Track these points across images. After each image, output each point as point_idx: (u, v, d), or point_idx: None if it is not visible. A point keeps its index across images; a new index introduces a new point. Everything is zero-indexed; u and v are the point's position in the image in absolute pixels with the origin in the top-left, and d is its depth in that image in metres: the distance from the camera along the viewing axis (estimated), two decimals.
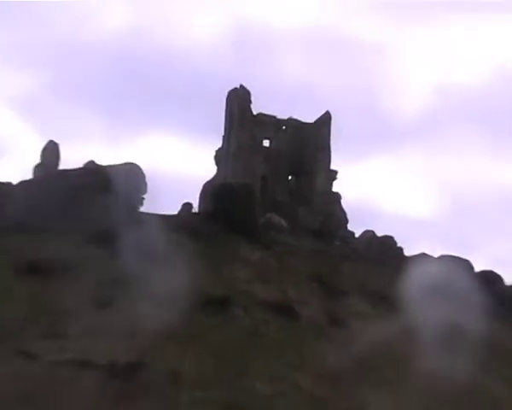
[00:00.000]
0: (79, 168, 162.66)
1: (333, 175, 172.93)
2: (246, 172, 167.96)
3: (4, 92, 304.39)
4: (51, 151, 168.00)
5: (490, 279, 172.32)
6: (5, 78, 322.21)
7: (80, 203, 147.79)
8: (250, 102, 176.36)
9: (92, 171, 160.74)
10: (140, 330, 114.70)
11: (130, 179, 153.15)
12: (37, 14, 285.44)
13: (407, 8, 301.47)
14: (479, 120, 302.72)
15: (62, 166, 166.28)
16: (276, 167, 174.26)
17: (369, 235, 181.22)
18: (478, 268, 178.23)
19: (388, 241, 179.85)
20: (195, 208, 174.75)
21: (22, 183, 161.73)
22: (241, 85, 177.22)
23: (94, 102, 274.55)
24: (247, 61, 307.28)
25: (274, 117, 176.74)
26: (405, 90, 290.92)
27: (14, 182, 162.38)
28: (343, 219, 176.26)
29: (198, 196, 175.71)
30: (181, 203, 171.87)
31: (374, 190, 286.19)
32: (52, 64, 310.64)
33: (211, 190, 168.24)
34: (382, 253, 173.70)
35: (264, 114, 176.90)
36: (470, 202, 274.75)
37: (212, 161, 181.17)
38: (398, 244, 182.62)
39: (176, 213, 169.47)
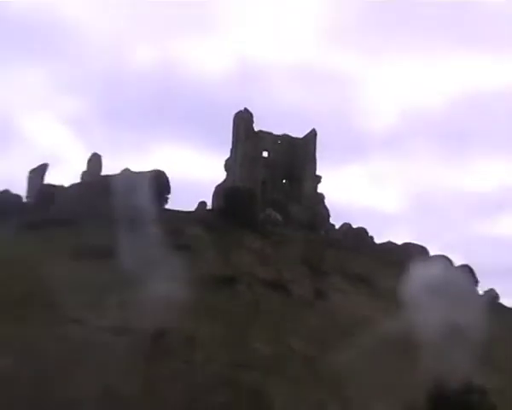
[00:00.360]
0: (117, 174, 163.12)
1: (318, 180, 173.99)
2: (249, 177, 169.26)
3: (59, 113, 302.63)
4: (95, 161, 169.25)
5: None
6: (60, 102, 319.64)
7: (116, 201, 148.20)
8: (252, 121, 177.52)
9: (126, 176, 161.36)
10: (164, 304, 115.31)
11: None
12: (83, 52, 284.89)
13: (378, 45, 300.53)
14: (434, 135, 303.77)
15: (103, 172, 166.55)
16: (273, 174, 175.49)
17: (346, 227, 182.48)
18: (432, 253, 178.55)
19: (361, 231, 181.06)
20: (209, 206, 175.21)
21: (73, 185, 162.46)
22: (245, 108, 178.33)
23: (128, 122, 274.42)
24: (249, 89, 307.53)
25: (271, 133, 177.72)
26: (375, 112, 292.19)
27: (66, 185, 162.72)
28: (326, 214, 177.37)
29: (211, 196, 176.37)
30: (197, 202, 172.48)
31: (350, 190, 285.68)
32: (95, 91, 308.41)
33: (222, 192, 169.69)
34: (357, 241, 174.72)
35: (264, 131, 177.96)
36: (427, 201, 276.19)
37: (223, 168, 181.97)
38: (370, 234, 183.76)
39: (193, 209, 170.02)
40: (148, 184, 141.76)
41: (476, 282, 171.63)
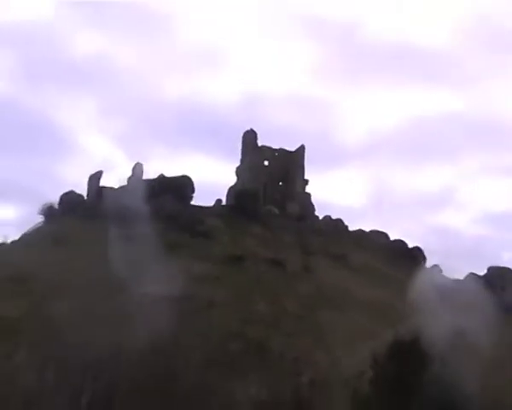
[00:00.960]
0: (154, 179, 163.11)
1: (306, 182, 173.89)
2: (254, 181, 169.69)
3: (109, 131, 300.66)
4: (138, 168, 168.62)
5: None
6: (109, 121, 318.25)
7: (156, 199, 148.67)
8: (256, 138, 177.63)
9: (161, 180, 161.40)
10: (188, 275, 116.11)
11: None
12: (125, 82, 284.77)
13: (352, 79, 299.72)
14: (393, 147, 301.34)
15: (144, 177, 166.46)
16: (272, 178, 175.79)
17: (327, 218, 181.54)
18: (393, 238, 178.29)
19: (339, 222, 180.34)
20: (224, 203, 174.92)
21: (120, 187, 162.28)
22: (251, 129, 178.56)
23: (162, 137, 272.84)
24: (253, 113, 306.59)
25: (270, 147, 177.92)
26: (350, 130, 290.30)
27: (115, 187, 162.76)
28: (312, 209, 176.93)
29: (225, 195, 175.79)
30: (215, 199, 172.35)
31: (330, 190, 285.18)
32: (136, 113, 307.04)
33: (233, 192, 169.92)
34: (336, 229, 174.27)
35: (265, 146, 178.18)
36: (388, 197, 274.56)
37: (234, 174, 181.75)
38: (345, 223, 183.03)
39: (212, 205, 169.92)
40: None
41: None
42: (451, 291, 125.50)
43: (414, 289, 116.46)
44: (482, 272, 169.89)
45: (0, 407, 70.03)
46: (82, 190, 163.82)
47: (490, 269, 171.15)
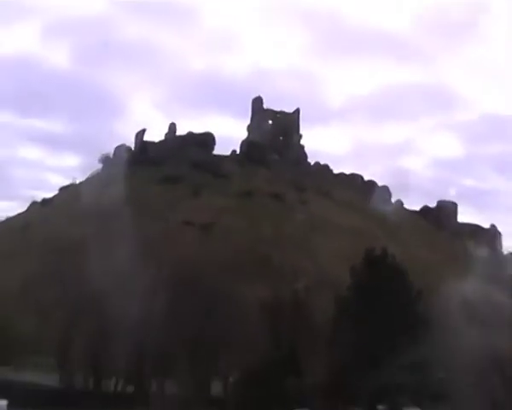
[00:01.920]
0: (185, 134, 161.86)
1: (300, 136, 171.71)
2: (261, 136, 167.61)
3: (151, 99, 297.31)
4: (172, 127, 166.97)
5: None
6: (151, 93, 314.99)
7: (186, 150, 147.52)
8: (262, 103, 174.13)
9: (190, 135, 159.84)
10: (211, 207, 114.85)
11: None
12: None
13: (335, 56, 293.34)
14: (370, 109, 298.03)
15: (177, 133, 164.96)
16: (275, 133, 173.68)
17: (317, 163, 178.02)
18: (367, 178, 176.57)
19: (325, 166, 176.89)
20: (238, 152, 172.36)
21: (160, 141, 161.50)
22: (259, 96, 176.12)
23: (190, 102, 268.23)
24: (261, 85, 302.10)
25: (273, 110, 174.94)
26: (334, 96, 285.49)
27: (156, 141, 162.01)
28: (305, 156, 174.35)
29: (239, 146, 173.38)
30: (231, 149, 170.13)
31: (317, 142, 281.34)
32: (169, 83, 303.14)
33: (245, 144, 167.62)
34: (322, 172, 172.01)
35: (269, 109, 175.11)
36: (366, 148, 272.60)
37: (245, 130, 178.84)
38: (331, 168, 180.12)
39: (229, 154, 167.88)
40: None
41: None
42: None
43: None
44: (433, 205, 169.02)
45: None
46: (130, 143, 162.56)
47: (439, 202, 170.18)
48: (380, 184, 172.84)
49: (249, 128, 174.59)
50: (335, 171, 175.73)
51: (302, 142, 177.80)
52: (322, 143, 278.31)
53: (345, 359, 63.95)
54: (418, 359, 63.27)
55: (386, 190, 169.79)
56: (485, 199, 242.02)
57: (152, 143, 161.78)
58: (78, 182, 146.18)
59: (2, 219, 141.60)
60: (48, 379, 66.49)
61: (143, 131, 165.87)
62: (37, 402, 57.61)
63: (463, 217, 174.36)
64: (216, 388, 70.20)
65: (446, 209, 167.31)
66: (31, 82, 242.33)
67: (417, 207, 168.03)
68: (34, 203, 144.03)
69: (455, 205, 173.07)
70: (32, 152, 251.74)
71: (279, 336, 67.73)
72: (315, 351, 66.17)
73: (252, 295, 78.54)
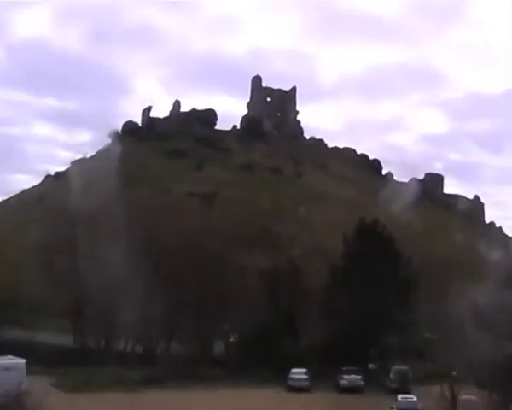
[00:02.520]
0: (189, 111, 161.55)
1: (296, 112, 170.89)
2: (260, 112, 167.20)
3: (156, 78, 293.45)
4: (177, 104, 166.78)
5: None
6: (158, 73, 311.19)
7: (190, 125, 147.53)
8: (261, 81, 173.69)
9: (193, 112, 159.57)
10: (213, 179, 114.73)
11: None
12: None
13: (327, 33, 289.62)
14: (361, 87, 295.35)
15: (181, 110, 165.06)
16: (273, 110, 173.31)
17: (312, 138, 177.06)
18: (359, 152, 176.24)
19: (320, 141, 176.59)
20: (238, 127, 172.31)
21: (165, 117, 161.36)
22: (258, 75, 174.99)
23: (193, 81, 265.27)
24: (260, 65, 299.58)
25: (271, 88, 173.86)
26: (327, 74, 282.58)
27: (161, 117, 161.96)
28: (301, 131, 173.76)
29: (239, 122, 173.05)
30: (232, 125, 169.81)
31: (314, 118, 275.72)
32: (174, 63, 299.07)
33: (245, 119, 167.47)
34: (317, 146, 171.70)
35: (268, 87, 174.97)
36: (357, 124, 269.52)
37: (245, 107, 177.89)
38: (326, 142, 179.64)
39: (230, 129, 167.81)
40: None
41: None
42: None
43: None
44: (420, 177, 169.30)
45: None
46: (137, 119, 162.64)
47: (426, 174, 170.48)
48: (371, 157, 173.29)
49: (249, 105, 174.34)
50: (330, 145, 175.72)
51: (298, 118, 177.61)
52: (317, 120, 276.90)
53: (338, 322, 64.80)
54: (406, 320, 64.17)
55: (377, 162, 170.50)
56: (469, 172, 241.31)
57: (158, 120, 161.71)
58: (88, 156, 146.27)
59: (19, 191, 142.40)
60: (63, 340, 67.25)
61: (150, 108, 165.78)
62: (53, 361, 58.68)
63: (449, 189, 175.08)
64: (218, 348, 70.91)
65: (433, 181, 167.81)
66: (44, 63, 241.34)
67: (406, 179, 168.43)
68: (48, 176, 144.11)
69: (441, 177, 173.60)
70: (45, 129, 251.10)
71: (277, 301, 68.30)
72: (310, 315, 66.85)
73: (251, 263, 79.03)
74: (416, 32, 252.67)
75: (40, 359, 53.62)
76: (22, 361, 40.14)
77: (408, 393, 48.02)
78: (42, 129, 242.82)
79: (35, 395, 33.73)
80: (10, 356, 40.98)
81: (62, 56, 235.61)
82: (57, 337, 67.79)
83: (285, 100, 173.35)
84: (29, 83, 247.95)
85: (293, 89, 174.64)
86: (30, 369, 40.79)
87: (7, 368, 38.15)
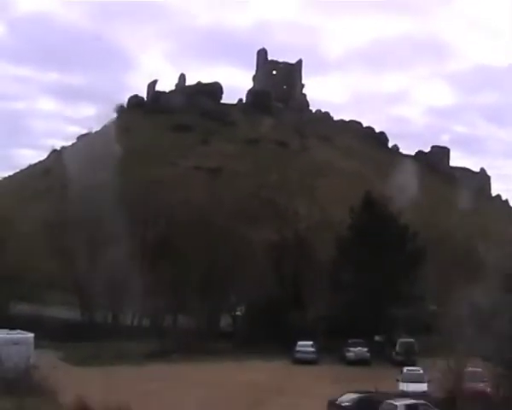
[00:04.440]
0: (194, 84, 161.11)
1: (302, 85, 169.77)
2: (265, 85, 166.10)
3: (162, 54, 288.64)
4: (182, 78, 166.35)
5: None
6: (165, 48, 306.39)
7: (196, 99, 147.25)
8: (267, 55, 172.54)
9: (199, 85, 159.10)
10: (220, 153, 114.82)
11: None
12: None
13: (333, 5, 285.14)
14: (366, 60, 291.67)
15: (186, 83, 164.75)
16: (278, 83, 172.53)
17: (318, 111, 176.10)
18: (365, 125, 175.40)
19: (326, 114, 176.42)
20: (244, 101, 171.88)
21: (171, 91, 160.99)
22: (263, 48, 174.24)
23: (199, 54, 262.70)
24: (267, 38, 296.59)
25: (277, 61, 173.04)
26: (333, 47, 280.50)
27: (167, 91, 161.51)
28: (307, 104, 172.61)
29: (245, 95, 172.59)
30: (238, 98, 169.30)
31: (320, 91, 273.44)
32: (179, 37, 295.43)
33: (251, 93, 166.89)
34: (323, 119, 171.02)
35: (273, 60, 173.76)
36: (364, 97, 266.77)
37: (251, 80, 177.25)
38: (331, 115, 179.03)
39: (235, 102, 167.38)
40: None
41: None
42: None
43: None
44: (427, 149, 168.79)
45: None
46: (143, 93, 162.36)
47: (432, 147, 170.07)
48: (377, 130, 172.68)
49: (255, 78, 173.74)
50: (336, 118, 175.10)
51: (304, 91, 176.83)
52: (323, 92, 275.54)
53: (344, 294, 64.96)
54: (412, 293, 64.30)
55: (383, 135, 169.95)
56: (475, 145, 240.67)
57: (163, 93, 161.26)
58: (94, 131, 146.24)
59: (24, 166, 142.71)
60: (70, 314, 67.68)
61: (155, 81, 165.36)
62: (60, 335, 59.12)
63: (455, 161, 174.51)
64: (225, 322, 71.22)
65: (439, 154, 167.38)
66: (49, 38, 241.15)
67: (412, 152, 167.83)
68: (54, 151, 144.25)
69: (447, 150, 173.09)
70: (50, 104, 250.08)
71: (283, 274, 68.50)
72: (317, 287, 67.02)
73: (257, 237, 79.23)
74: (423, 3, 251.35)
75: (48, 333, 53.92)
76: (30, 335, 40.31)
77: (414, 365, 48.19)
78: (47, 104, 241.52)
79: (43, 368, 33.97)
80: (19, 331, 41.16)
81: (67, 31, 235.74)
82: (65, 312, 68.29)
83: (291, 73, 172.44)
84: (33, 58, 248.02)
85: (299, 62, 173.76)
86: (38, 343, 40.94)
87: (15, 342, 38.31)
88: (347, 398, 35.53)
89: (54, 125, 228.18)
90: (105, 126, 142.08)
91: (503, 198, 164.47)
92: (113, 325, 66.83)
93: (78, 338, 59.86)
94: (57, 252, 68.92)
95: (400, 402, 32.80)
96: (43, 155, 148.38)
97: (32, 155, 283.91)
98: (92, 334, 61.73)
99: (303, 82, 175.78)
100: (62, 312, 68.04)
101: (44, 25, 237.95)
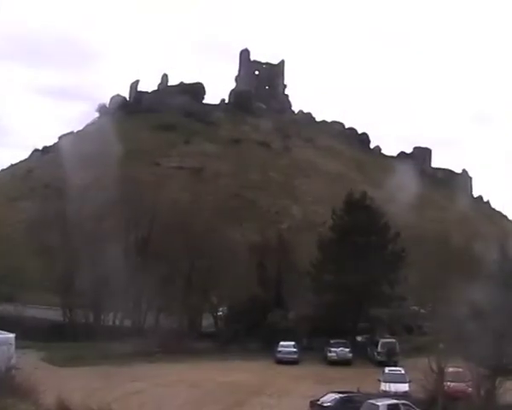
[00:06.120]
0: (177, 84, 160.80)
1: (284, 86, 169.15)
2: (248, 84, 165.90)
3: (145, 51, 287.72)
4: (165, 78, 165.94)
5: None
6: (145, 44, 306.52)
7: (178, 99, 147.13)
8: (249, 55, 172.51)
9: (182, 85, 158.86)
10: (202, 153, 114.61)
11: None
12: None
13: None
14: None
15: (169, 83, 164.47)
16: (261, 83, 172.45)
17: (300, 111, 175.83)
18: (347, 126, 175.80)
19: (309, 114, 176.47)
20: (227, 101, 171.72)
21: (152, 92, 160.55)
22: (246, 48, 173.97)
23: (182, 55, 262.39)
24: (247, 36, 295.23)
25: (260, 61, 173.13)
26: (311, 49, 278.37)
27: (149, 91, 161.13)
28: (289, 105, 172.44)
29: (228, 95, 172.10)
30: (220, 98, 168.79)
31: (302, 91, 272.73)
32: (161, 38, 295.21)
33: (233, 93, 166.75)
34: (307, 119, 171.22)
35: (256, 60, 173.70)
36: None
37: (234, 81, 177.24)
38: (313, 115, 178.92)
39: (218, 103, 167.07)
40: None
41: None
42: None
43: None
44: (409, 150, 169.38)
45: None
46: (125, 93, 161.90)
47: (415, 148, 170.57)
48: (359, 131, 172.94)
49: (237, 78, 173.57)
50: (318, 118, 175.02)
51: (286, 91, 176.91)
52: (306, 93, 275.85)
53: (326, 295, 65.02)
54: (394, 294, 64.52)
55: (365, 136, 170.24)
56: (458, 146, 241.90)
57: (146, 93, 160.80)
58: (76, 131, 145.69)
59: (6, 166, 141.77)
60: (52, 314, 67.32)
61: (137, 81, 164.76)
62: (42, 336, 58.75)
63: (437, 162, 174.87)
64: (207, 322, 71.10)
65: (421, 155, 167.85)
66: (32, 37, 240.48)
67: (394, 153, 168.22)
68: (36, 151, 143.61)
69: (429, 151, 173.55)
70: (32, 103, 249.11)
71: (265, 274, 68.44)
72: (299, 288, 67.05)
73: (239, 237, 79.29)
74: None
75: (30, 333, 53.50)
76: (12, 336, 40.02)
77: (395, 365, 48.42)
78: (29, 103, 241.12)
79: (25, 369, 33.76)
80: (0, 331, 40.87)
81: (49, 30, 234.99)
82: (47, 312, 67.85)
83: (273, 74, 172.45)
84: (17, 56, 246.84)
85: (282, 62, 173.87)
86: (19, 344, 40.64)
87: None
88: (329, 398, 35.73)
89: (36, 125, 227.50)
90: (87, 126, 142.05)
91: (485, 199, 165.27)
92: (96, 326, 66.45)
93: (61, 339, 59.63)
94: (40, 252, 68.62)
95: (382, 402, 33.06)
96: (25, 155, 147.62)
97: (15, 155, 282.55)
98: (74, 334, 61.63)
99: (285, 82, 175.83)
100: (44, 312, 67.66)
101: (29, 25, 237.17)
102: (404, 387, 40.64)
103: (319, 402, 35.61)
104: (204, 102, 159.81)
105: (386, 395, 37.49)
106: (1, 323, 46.85)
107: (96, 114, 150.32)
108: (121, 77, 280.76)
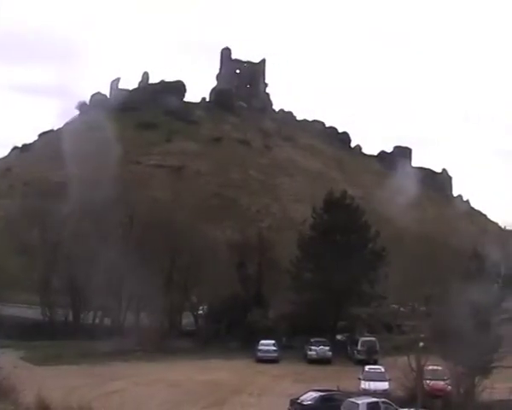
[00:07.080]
0: (158, 83, 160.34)
1: (266, 84, 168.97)
2: (229, 83, 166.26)
3: (126, 49, 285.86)
4: (146, 76, 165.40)
5: None
6: (125, 42, 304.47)
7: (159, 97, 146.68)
8: (231, 53, 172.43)
9: (163, 83, 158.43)
10: (183, 152, 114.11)
11: None
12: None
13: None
14: None
15: (150, 81, 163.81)
16: (242, 82, 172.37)
17: (281, 110, 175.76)
18: (328, 125, 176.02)
19: (289, 114, 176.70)
20: (207, 99, 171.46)
21: (134, 89, 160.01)
22: (227, 47, 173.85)
23: (163, 52, 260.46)
24: (228, 34, 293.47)
25: (241, 60, 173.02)
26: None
27: (130, 89, 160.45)
28: (270, 104, 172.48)
29: (209, 94, 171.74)
30: (201, 97, 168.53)
31: (283, 90, 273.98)
32: (143, 37, 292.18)
33: (214, 92, 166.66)
34: (285, 119, 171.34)
35: (237, 59, 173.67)
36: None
37: (215, 79, 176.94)
38: (294, 114, 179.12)
39: (199, 101, 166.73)
40: None
41: None
42: None
43: None
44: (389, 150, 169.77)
45: None
46: (106, 91, 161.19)
47: (395, 147, 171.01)
48: (340, 130, 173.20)
49: (218, 77, 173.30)
50: (298, 117, 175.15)
51: (267, 90, 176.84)
52: (286, 92, 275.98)
53: (306, 293, 65.15)
54: (374, 292, 64.71)
55: (345, 135, 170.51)
56: (438, 145, 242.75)
57: (126, 91, 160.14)
58: (56, 128, 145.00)
59: None
60: (31, 313, 67.01)
61: (118, 79, 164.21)
62: (21, 334, 58.46)
63: (417, 162, 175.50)
64: (187, 321, 71.00)
65: (401, 154, 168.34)
66: (11, 33, 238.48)
67: (375, 152, 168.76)
68: (15, 149, 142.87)
69: (409, 150, 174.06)
70: (12, 100, 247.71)
71: (245, 273, 68.48)
72: (279, 286, 67.15)
73: (220, 235, 79.28)
74: None
75: (9, 332, 53.38)
76: None
77: (375, 364, 48.63)
78: (8, 100, 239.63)
79: (4, 368, 33.60)
80: None
81: (29, 27, 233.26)
82: (26, 311, 67.56)
83: (254, 72, 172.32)
84: None
85: (263, 61, 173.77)
86: None
87: None
88: (309, 396, 35.81)
89: (15, 122, 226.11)
90: (67, 124, 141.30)
91: (464, 199, 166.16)
92: (75, 324, 66.28)
93: (40, 337, 59.37)
94: (19, 250, 68.33)
95: (362, 401, 33.19)
96: (4, 153, 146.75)
97: None
98: (54, 333, 61.41)
99: (266, 81, 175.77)
100: (23, 311, 67.36)
101: (9, 21, 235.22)
102: (384, 385, 40.77)
103: (299, 401, 35.66)
104: (185, 100, 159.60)
105: (366, 393, 37.59)
106: None
107: (76, 112, 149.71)
108: (102, 75, 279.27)
